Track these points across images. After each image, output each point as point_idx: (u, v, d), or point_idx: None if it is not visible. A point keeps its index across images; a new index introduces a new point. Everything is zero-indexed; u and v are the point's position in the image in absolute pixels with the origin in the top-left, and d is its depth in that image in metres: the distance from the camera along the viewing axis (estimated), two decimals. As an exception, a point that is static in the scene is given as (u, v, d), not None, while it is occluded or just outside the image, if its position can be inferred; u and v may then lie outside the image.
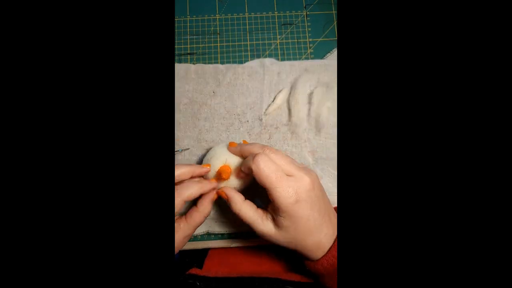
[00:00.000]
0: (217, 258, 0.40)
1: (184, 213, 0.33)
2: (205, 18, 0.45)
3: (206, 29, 0.45)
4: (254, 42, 0.44)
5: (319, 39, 0.45)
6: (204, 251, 0.42)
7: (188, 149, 0.40)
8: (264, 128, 0.41)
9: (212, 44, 0.44)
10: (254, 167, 0.29)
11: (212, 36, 0.45)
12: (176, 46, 0.44)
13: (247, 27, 0.45)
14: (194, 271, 0.36)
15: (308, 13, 0.46)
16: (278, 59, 0.43)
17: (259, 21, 0.45)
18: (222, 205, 0.39)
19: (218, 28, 0.45)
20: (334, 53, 0.44)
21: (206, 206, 0.32)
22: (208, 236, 0.39)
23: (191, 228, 0.32)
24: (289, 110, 0.40)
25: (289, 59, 0.44)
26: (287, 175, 0.30)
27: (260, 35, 0.45)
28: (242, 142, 0.35)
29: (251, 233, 0.39)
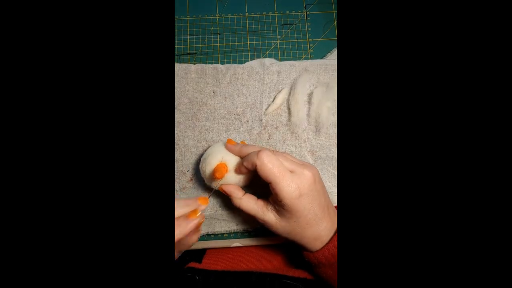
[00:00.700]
0: (216, 255, 0.40)
1: None
2: (205, 18, 0.45)
3: (206, 29, 0.45)
4: (254, 42, 0.44)
5: (319, 39, 0.45)
6: (203, 249, 0.42)
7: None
8: (264, 128, 0.41)
9: (212, 44, 0.44)
10: (258, 162, 0.30)
11: (212, 36, 0.45)
12: (176, 46, 0.44)
13: (247, 27, 0.45)
14: (193, 265, 0.36)
15: (308, 13, 0.46)
16: (278, 59, 0.43)
17: (259, 21, 0.45)
18: (222, 205, 0.39)
19: (218, 28, 0.45)
20: (334, 53, 0.44)
21: (189, 238, 0.32)
22: (208, 236, 0.39)
23: (176, 253, 0.32)
24: (289, 110, 0.40)
25: (289, 59, 0.44)
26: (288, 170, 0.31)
27: (260, 35, 0.45)
28: (240, 143, 0.35)
29: (251, 233, 0.39)
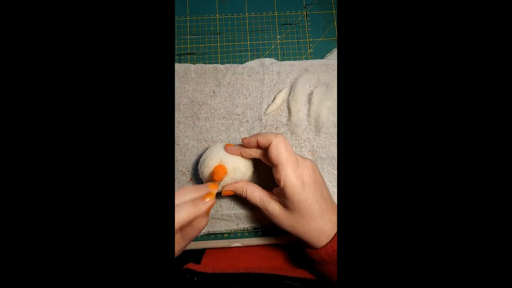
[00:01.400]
0: (215, 254, 0.40)
1: None
2: (205, 18, 0.45)
3: (206, 29, 0.45)
4: (254, 42, 0.44)
5: (319, 39, 0.45)
6: (202, 249, 0.42)
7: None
8: (264, 128, 0.41)
9: (212, 44, 0.44)
10: (275, 140, 0.31)
11: (212, 36, 0.45)
12: (176, 46, 0.44)
13: (247, 27, 0.45)
14: (191, 266, 0.36)
15: (308, 13, 0.46)
16: (278, 59, 0.43)
17: (259, 21, 0.45)
18: (222, 205, 0.39)
19: (218, 28, 0.45)
20: (334, 53, 0.44)
21: (200, 220, 0.31)
22: (208, 236, 0.39)
23: (186, 241, 0.32)
24: (289, 110, 0.40)
25: (289, 59, 0.44)
26: None
27: (260, 35, 0.45)
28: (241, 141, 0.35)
29: (251, 232, 0.39)
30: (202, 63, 0.43)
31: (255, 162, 0.36)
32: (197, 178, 0.39)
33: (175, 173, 0.40)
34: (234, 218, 0.39)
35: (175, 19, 0.45)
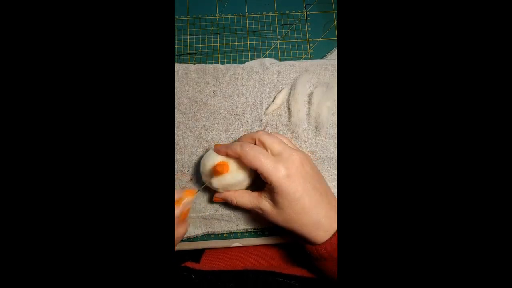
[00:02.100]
0: (214, 254, 0.40)
1: None
2: (205, 18, 0.45)
3: (206, 29, 0.45)
4: (254, 42, 0.44)
5: (319, 39, 0.45)
6: (202, 249, 0.42)
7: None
8: (264, 128, 0.41)
9: (212, 44, 0.44)
10: (242, 153, 0.31)
11: (212, 36, 0.45)
12: (176, 46, 0.44)
13: (247, 27, 0.45)
14: (190, 264, 0.36)
15: (308, 13, 0.46)
16: (278, 59, 0.43)
17: (259, 21, 0.45)
18: (222, 205, 0.39)
19: (218, 28, 0.45)
20: (334, 53, 0.44)
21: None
22: (208, 236, 0.39)
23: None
24: (289, 110, 0.40)
25: (289, 59, 0.44)
26: (276, 154, 0.31)
27: (260, 35, 0.45)
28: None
29: (251, 232, 0.39)
30: (202, 63, 0.43)
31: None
32: (197, 178, 0.39)
33: (175, 173, 0.40)
34: (234, 218, 0.39)
35: (175, 19, 0.45)
